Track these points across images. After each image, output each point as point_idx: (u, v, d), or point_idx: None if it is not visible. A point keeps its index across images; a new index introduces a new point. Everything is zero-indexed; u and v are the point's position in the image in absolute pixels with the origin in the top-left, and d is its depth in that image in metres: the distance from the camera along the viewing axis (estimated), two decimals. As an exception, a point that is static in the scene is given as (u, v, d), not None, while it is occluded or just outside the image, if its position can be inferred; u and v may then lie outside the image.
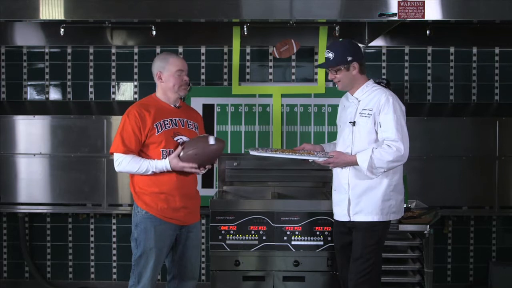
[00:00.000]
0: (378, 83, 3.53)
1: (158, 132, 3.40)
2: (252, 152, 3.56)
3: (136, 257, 3.43)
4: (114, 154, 3.41)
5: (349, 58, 3.41)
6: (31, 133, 4.80)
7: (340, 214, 3.51)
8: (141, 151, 3.43)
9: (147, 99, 3.56)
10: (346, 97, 3.59)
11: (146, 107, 3.44)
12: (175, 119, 3.48)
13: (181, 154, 3.36)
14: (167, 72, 3.47)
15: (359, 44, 3.73)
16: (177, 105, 3.55)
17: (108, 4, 4.20)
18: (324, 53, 4.75)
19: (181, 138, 3.45)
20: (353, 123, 3.44)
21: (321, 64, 3.56)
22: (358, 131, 3.43)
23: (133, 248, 3.47)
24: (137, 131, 3.37)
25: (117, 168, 3.42)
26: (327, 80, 4.86)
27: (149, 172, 3.37)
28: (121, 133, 3.39)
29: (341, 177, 3.49)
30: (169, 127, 3.43)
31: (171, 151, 3.40)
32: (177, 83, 3.47)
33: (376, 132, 3.39)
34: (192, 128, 3.55)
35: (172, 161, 3.36)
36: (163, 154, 3.40)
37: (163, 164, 3.36)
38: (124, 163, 3.38)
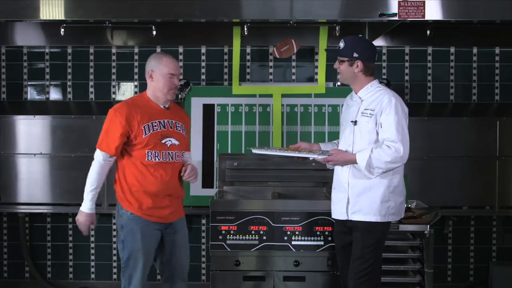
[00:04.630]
0: (379, 83, 3.53)
1: (145, 134, 3.35)
2: (254, 150, 3.57)
3: (125, 259, 3.41)
4: (97, 150, 3.41)
5: (355, 55, 3.42)
6: (31, 133, 4.80)
7: (338, 212, 3.51)
8: (125, 151, 3.39)
9: (138, 98, 3.51)
10: (351, 96, 3.59)
11: (135, 107, 3.39)
12: (163, 121, 3.43)
13: None
14: (158, 72, 3.40)
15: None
16: (166, 106, 3.49)
17: (108, 4, 4.20)
18: (324, 53, 4.79)
19: (169, 140, 3.43)
20: (355, 122, 3.44)
21: (330, 49, 3.53)
22: (359, 130, 3.42)
23: (120, 249, 3.44)
24: (123, 133, 3.34)
25: (93, 163, 3.42)
26: (327, 80, 4.88)
27: (86, 191, 3.42)
28: (105, 130, 3.38)
29: (341, 176, 3.49)
30: (157, 129, 3.39)
31: (157, 153, 3.38)
32: (166, 86, 3.40)
33: (377, 133, 3.38)
34: (180, 130, 3.51)
35: (83, 217, 3.44)
36: (148, 155, 3.37)
37: (85, 207, 3.43)
38: (98, 163, 3.40)
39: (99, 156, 3.40)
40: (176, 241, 3.51)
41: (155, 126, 3.39)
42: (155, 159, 3.38)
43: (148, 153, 3.37)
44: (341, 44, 3.45)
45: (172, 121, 3.47)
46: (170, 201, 3.45)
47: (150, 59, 3.48)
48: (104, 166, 3.40)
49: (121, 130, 3.32)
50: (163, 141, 3.40)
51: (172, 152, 3.44)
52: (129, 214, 3.40)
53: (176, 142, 3.45)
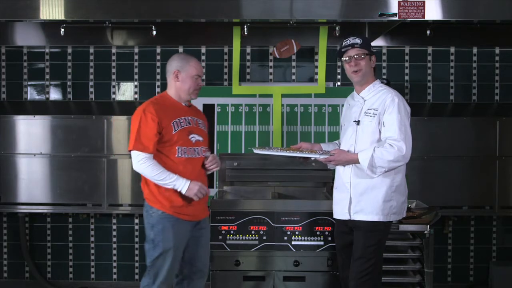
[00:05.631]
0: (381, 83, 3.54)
1: (175, 130, 3.41)
2: (255, 151, 3.58)
3: (153, 258, 3.41)
4: (133, 151, 3.37)
5: (372, 49, 3.48)
6: (31, 133, 4.81)
7: (340, 212, 3.51)
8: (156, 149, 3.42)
9: (161, 97, 3.56)
10: (352, 96, 3.59)
11: (161, 106, 3.45)
12: (188, 118, 3.51)
13: None
14: (186, 73, 3.49)
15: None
16: (188, 104, 3.59)
17: (108, 4, 4.20)
18: (324, 52, 4.79)
19: (194, 137, 3.48)
20: (358, 122, 3.44)
21: (350, 44, 3.44)
22: (362, 130, 3.42)
23: (149, 249, 3.44)
24: (155, 129, 3.35)
25: (138, 166, 3.37)
26: (327, 80, 4.88)
27: (164, 182, 3.35)
28: (138, 131, 3.36)
29: (343, 175, 3.48)
30: (184, 125, 3.46)
31: (185, 149, 3.42)
32: (192, 86, 3.50)
33: (380, 132, 3.38)
34: (202, 127, 3.59)
35: (194, 186, 3.37)
36: (178, 152, 3.41)
37: (182, 183, 3.36)
38: (147, 162, 3.34)
39: (137, 156, 3.36)
40: (201, 239, 3.56)
41: (182, 122, 3.46)
42: (184, 155, 3.43)
43: (178, 150, 3.42)
44: (358, 41, 3.43)
45: (194, 118, 3.55)
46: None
47: (175, 59, 3.54)
48: (150, 158, 3.35)
49: (156, 127, 3.35)
50: (189, 137, 3.46)
51: (197, 148, 3.49)
52: (160, 213, 3.40)
53: (200, 138, 3.52)
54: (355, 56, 3.43)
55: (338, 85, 4.97)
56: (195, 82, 3.51)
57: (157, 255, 3.40)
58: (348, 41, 3.45)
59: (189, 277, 3.58)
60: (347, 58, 3.45)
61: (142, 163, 3.35)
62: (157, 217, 3.41)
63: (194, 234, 3.52)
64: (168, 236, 3.39)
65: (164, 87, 5.06)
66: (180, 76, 3.49)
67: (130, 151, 3.40)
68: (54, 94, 5.16)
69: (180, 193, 3.39)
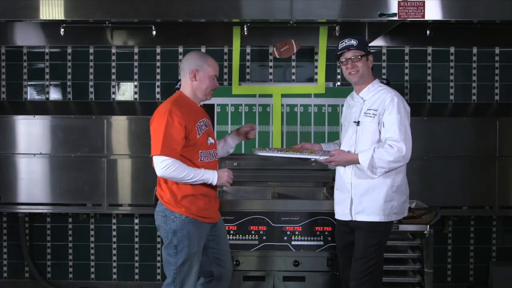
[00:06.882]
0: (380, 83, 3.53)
1: (199, 134, 3.32)
2: (256, 152, 3.57)
3: (179, 264, 3.32)
4: (159, 157, 3.21)
5: (369, 49, 3.46)
6: (31, 133, 4.80)
7: (342, 213, 3.51)
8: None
9: (180, 98, 3.40)
10: (352, 96, 3.58)
11: (185, 108, 3.32)
12: (204, 120, 3.41)
13: None
14: (204, 72, 3.39)
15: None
16: (200, 105, 3.50)
17: (108, 4, 4.20)
18: (324, 52, 4.79)
19: (209, 139, 3.42)
20: (357, 123, 3.44)
21: (345, 47, 3.45)
22: (362, 131, 3.42)
23: (171, 255, 3.33)
24: (183, 133, 3.24)
25: (164, 172, 3.23)
26: (327, 80, 4.88)
27: (194, 179, 3.26)
28: (165, 134, 3.21)
29: (343, 176, 3.48)
30: (204, 129, 3.37)
31: (205, 153, 3.35)
32: (209, 87, 3.40)
33: (380, 133, 3.38)
34: (212, 128, 3.54)
35: (222, 174, 3.34)
36: (201, 156, 3.33)
37: (211, 175, 3.32)
38: (172, 167, 3.22)
39: (163, 162, 3.20)
40: (221, 239, 3.52)
41: (202, 125, 3.37)
42: (205, 159, 3.36)
43: (201, 154, 3.34)
44: (354, 42, 3.42)
45: (208, 120, 3.48)
46: (215, 200, 3.47)
47: (192, 58, 3.43)
48: (176, 162, 3.21)
49: (184, 131, 3.23)
50: (207, 140, 3.40)
51: (212, 151, 3.44)
52: (184, 218, 3.31)
53: (213, 141, 3.46)
54: (352, 58, 3.43)
55: (338, 85, 4.97)
56: (212, 82, 3.41)
57: (183, 261, 3.31)
58: (344, 43, 3.44)
59: (218, 277, 3.51)
60: (344, 60, 3.46)
61: (168, 167, 3.20)
62: (180, 222, 3.30)
63: (213, 234, 3.47)
64: (193, 241, 3.32)
65: (163, 87, 5.09)
66: (198, 76, 3.38)
67: (153, 156, 3.24)
68: (54, 94, 5.16)
69: (203, 196, 3.34)
